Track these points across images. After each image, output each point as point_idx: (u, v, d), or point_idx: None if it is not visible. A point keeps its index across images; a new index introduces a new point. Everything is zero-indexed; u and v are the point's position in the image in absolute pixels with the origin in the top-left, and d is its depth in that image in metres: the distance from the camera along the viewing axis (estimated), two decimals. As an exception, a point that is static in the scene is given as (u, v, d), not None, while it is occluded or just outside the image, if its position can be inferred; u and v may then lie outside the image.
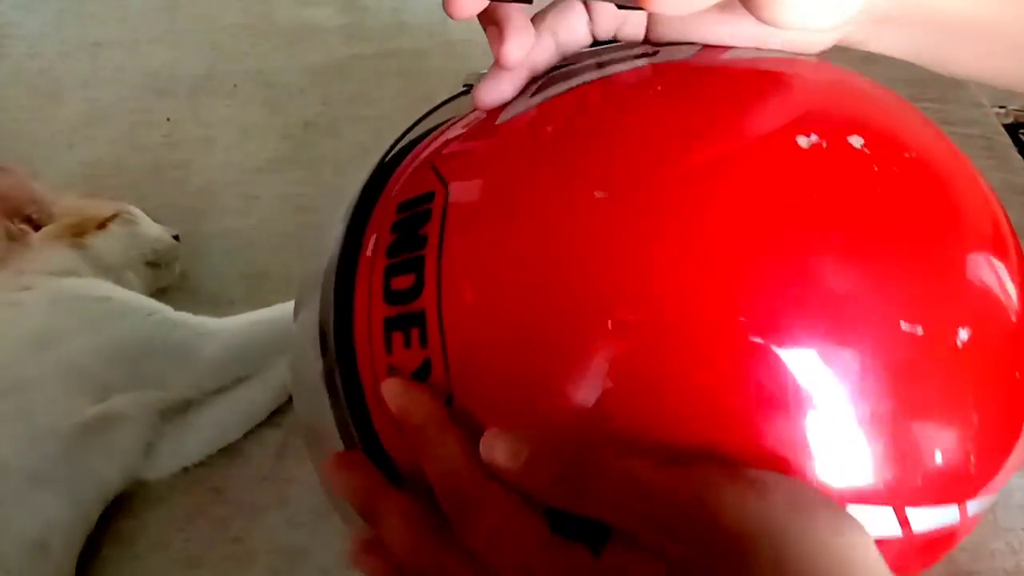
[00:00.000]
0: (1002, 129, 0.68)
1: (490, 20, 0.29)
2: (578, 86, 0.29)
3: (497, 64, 0.29)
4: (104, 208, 0.64)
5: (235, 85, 0.86)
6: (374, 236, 0.30)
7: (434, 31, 0.90)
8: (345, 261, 0.30)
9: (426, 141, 0.32)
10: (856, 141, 0.25)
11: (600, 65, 0.30)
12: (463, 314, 0.26)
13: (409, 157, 0.32)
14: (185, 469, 0.58)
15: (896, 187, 0.25)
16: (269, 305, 0.63)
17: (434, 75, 0.85)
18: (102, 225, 0.62)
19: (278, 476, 0.57)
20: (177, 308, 0.59)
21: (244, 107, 0.84)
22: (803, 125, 0.25)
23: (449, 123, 0.33)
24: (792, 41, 0.30)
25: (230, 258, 0.71)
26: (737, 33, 0.30)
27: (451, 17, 0.27)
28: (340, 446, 0.29)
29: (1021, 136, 0.85)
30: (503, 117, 0.29)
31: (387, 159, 0.32)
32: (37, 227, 0.61)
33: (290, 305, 0.62)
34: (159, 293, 0.65)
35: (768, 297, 0.23)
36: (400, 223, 0.29)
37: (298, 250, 0.71)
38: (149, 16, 0.95)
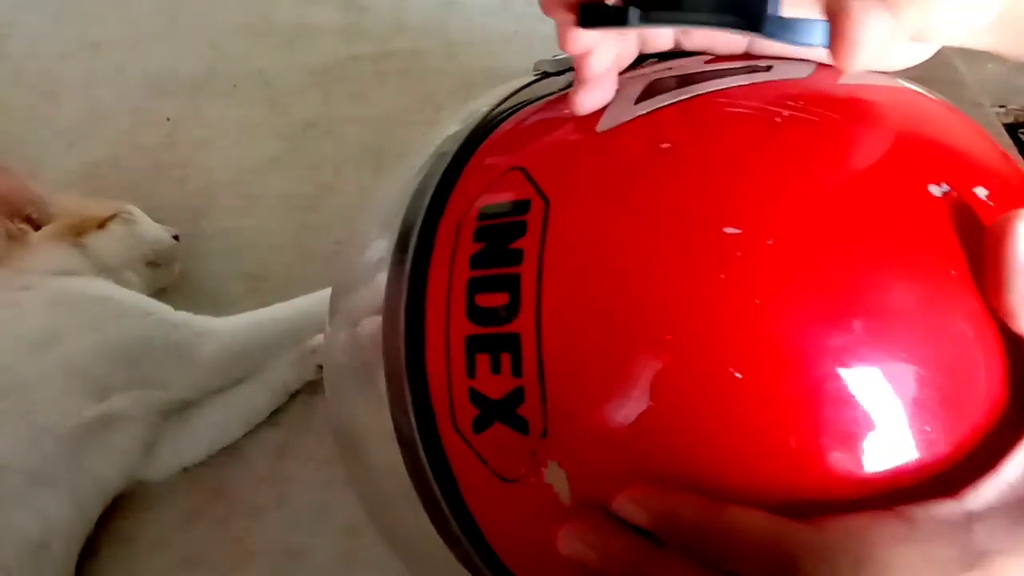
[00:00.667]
0: (1003, 129, 0.68)
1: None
2: (689, 98, 0.27)
3: (583, 76, 0.27)
4: (104, 208, 0.64)
5: (235, 85, 0.86)
6: (451, 241, 0.27)
7: (434, 31, 0.90)
8: (416, 265, 0.27)
9: (497, 135, 0.30)
10: (981, 192, 0.24)
11: (706, 76, 0.28)
12: (565, 344, 0.24)
13: (482, 151, 0.29)
14: (185, 469, 0.58)
15: None
16: (269, 305, 0.63)
17: (434, 75, 0.85)
18: (102, 225, 0.62)
19: (278, 476, 0.58)
20: (177, 308, 0.59)
21: (244, 107, 0.84)
22: (934, 172, 0.24)
23: (519, 116, 0.30)
24: (893, 56, 0.29)
25: (230, 258, 0.71)
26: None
27: (567, 51, 0.26)
28: (394, 457, 0.27)
29: (1021, 136, 0.85)
30: (604, 124, 0.27)
31: (457, 153, 0.30)
32: (37, 227, 0.61)
33: (290, 305, 0.63)
34: (159, 293, 0.65)
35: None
36: (487, 231, 0.26)
37: (298, 250, 0.71)
38: (149, 16, 0.95)
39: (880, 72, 0.29)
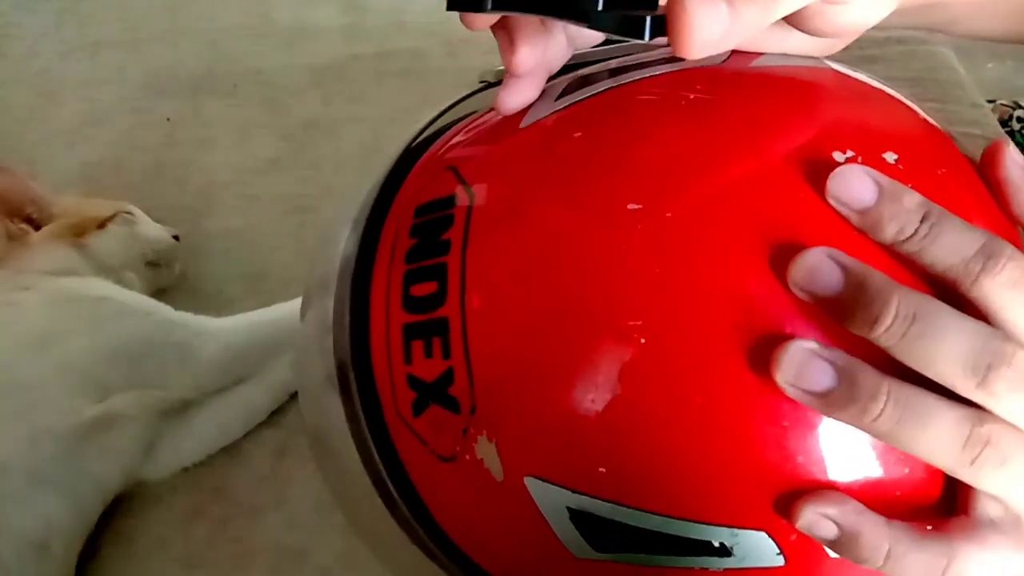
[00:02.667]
0: (1002, 129, 0.68)
1: (500, 25, 0.28)
2: (606, 90, 0.28)
3: (509, 72, 0.28)
4: (104, 208, 0.64)
5: (235, 85, 0.86)
6: (392, 239, 0.29)
7: (434, 31, 0.90)
8: (361, 264, 0.29)
9: (441, 141, 0.32)
10: (890, 157, 0.25)
11: (625, 69, 0.29)
12: (487, 323, 0.25)
13: (425, 157, 0.31)
14: (185, 469, 0.58)
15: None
16: (269, 305, 0.63)
17: (434, 75, 0.85)
18: (102, 225, 0.62)
19: (278, 476, 0.58)
20: (177, 308, 0.59)
21: (244, 107, 0.84)
22: (839, 140, 0.25)
23: (463, 123, 0.32)
24: (815, 41, 0.29)
25: (230, 258, 0.71)
26: (764, 36, 0.29)
27: (468, 28, 0.27)
28: (351, 449, 0.29)
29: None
30: (526, 120, 0.29)
31: (400, 158, 0.32)
32: (37, 227, 0.61)
33: (290, 305, 0.63)
34: (159, 293, 0.65)
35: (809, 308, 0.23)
36: (420, 227, 0.28)
37: (298, 250, 0.71)
38: (149, 16, 0.95)
39: (805, 56, 0.30)
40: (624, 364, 0.24)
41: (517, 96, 0.29)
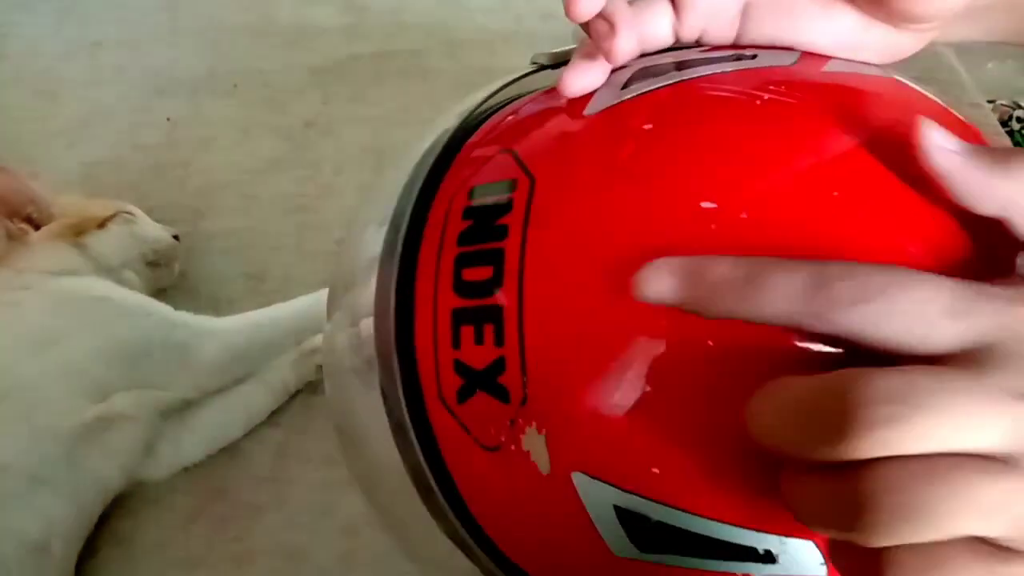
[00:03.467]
0: (1002, 129, 0.68)
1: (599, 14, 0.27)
2: (675, 83, 0.28)
3: (604, 57, 0.28)
4: (104, 208, 0.64)
5: (235, 85, 0.86)
6: (442, 221, 0.28)
7: (434, 31, 0.90)
8: (407, 245, 0.28)
9: (492, 122, 0.31)
10: None
11: (691, 63, 0.28)
12: (545, 314, 0.25)
13: (476, 138, 0.30)
14: (185, 469, 0.58)
15: None
16: (269, 305, 0.63)
17: (434, 75, 0.85)
18: (102, 225, 0.62)
19: (278, 476, 0.57)
20: (177, 308, 0.59)
21: (244, 107, 0.84)
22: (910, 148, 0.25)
23: (514, 105, 0.31)
24: (888, 45, 0.29)
25: (230, 258, 0.71)
26: (834, 33, 0.29)
27: (572, 19, 0.26)
28: (387, 436, 0.28)
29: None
30: (591, 107, 0.28)
31: (449, 140, 0.30)
32: (37, 227, 0.61)
33: (290, 305, 0.63)
34: (159, 293, 0.65)
35: None
36: (475, 210, 0.27)
37: (298, 250, 0.71)
38: (149, 16, 0.95)
39: (870, 64, 0.29)
40: (685, 363, 0.23)
41: (584, 79, 0.28)
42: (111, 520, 0.55)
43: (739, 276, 0.22)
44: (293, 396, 0.61)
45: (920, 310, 0.20)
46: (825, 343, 0.22)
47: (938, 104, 0.29)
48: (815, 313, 0.21)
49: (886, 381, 0.19)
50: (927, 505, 0.19)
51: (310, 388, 0.62)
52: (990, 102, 0.72)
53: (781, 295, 0.21)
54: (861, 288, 0.21)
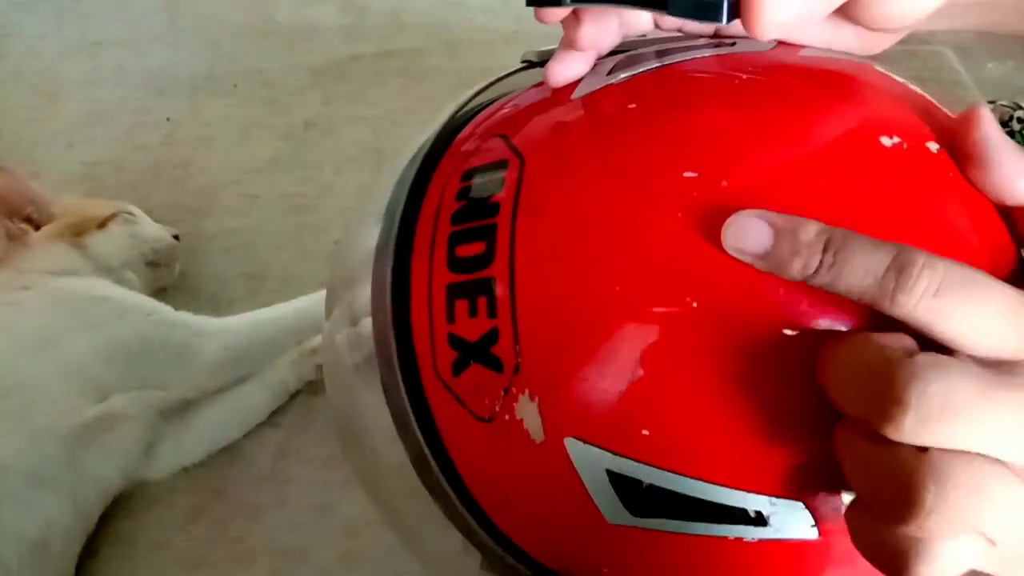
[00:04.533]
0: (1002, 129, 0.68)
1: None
2: (657, 68, 0.29)
3: (571, 47, 0.29)
4: (104, 208, 0.64)
5: (235, 85, 0.86)
6: (436, 204, 0.29)
7: (434, 31, 0.90)
8: (403, 232, 0.29)
9: (484, 114, 0.32)
10: (933, 146, 0.26)
11: (672, 51, 0.30)
12: (536, 283, 0.25)
13: (468, 129, 0.31)
14: (185, 469, 0.58)
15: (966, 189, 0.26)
16: (269, 305, 0.63)
17: (434, 75, 0.86)
18: (102, 225, 0.62)
19: (278, 476, 0.58)
20: (177, 308, 0.59)
21: (244, 107, 0.84)
22: (886, 126, 0.26)
23: (506, 98, 0.32)
24: (859, 42, 0.30)
25: (230, 258, 0.71)
26: (817, 28, 0.29)
27: (543, 22, 0.28)
28: (383, 414, 0.28)
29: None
30: (578, 92, 0.29)
31: (441, 131, 0.32)
32: (37, 227, 0.61)
33: (290, 305, 0.63)
34: (159, 293, 0.65)
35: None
36: (468, 190, 0.28)
37: (298, 250, 0.71)
38: (149, 16, 0.95)
39: (844, 53, 0.30)
40: (672, 326, 0.24)
41: (568, 68, 0.29)
42: (112, 520, 0.55)
43: (825, 241, 0.22)
44: (293, 396, 0.61)
45: (993, 314, 0.21)
46: (867, 322, 0.23)
47: (909, 87, 0.30)
48: (890, 295, 0.21)
49: (959, 378, 0.20)
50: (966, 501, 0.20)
51: (310, 388, 0.62)
52: (990, 102, 0.72)
53: (863, 269, 0.21)
54: (943, 281, 0.21)
